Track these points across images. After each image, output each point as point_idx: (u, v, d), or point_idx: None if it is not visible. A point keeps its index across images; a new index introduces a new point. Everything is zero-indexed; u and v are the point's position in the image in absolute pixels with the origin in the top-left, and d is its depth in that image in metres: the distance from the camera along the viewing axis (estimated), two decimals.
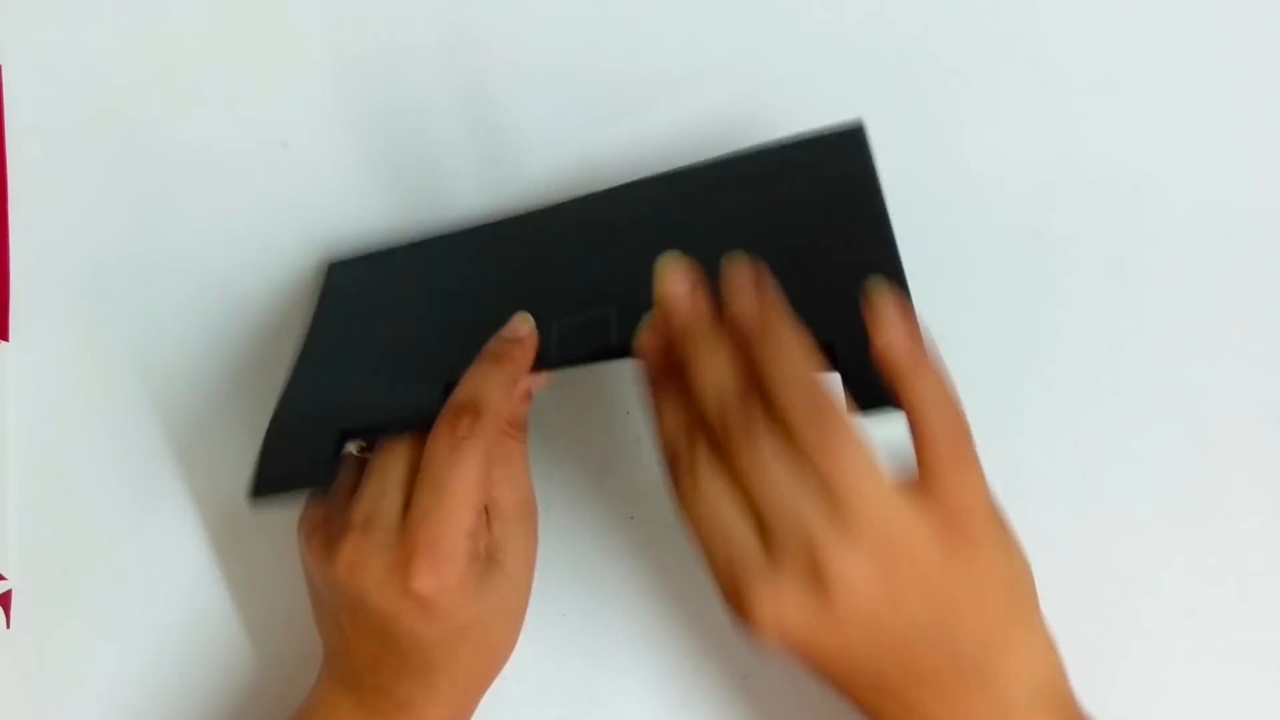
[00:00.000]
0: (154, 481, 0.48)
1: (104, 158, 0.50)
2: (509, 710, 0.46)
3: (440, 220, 0.49)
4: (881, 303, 0.34)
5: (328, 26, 0.51)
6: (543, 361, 0.40)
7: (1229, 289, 0.50)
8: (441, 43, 0.51)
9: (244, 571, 0.47)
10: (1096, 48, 0.52)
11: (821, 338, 0.37)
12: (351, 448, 0.40)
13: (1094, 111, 0.52)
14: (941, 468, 0.34)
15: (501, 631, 0.40)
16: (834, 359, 0.37)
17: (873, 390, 0.36)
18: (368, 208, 0.50)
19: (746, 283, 0.36)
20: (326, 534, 0.38)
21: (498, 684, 0.45)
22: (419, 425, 0.38)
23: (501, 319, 0.40)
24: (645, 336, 0.37)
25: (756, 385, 0.34)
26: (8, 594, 0.47)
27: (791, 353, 0.34)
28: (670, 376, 0.36)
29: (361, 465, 0.40)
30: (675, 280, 0.37)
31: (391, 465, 0.38)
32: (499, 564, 0.38)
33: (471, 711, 0.41)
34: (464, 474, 0.36)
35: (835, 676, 0.35)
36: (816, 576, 0.32)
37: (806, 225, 0.42)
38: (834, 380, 0.37)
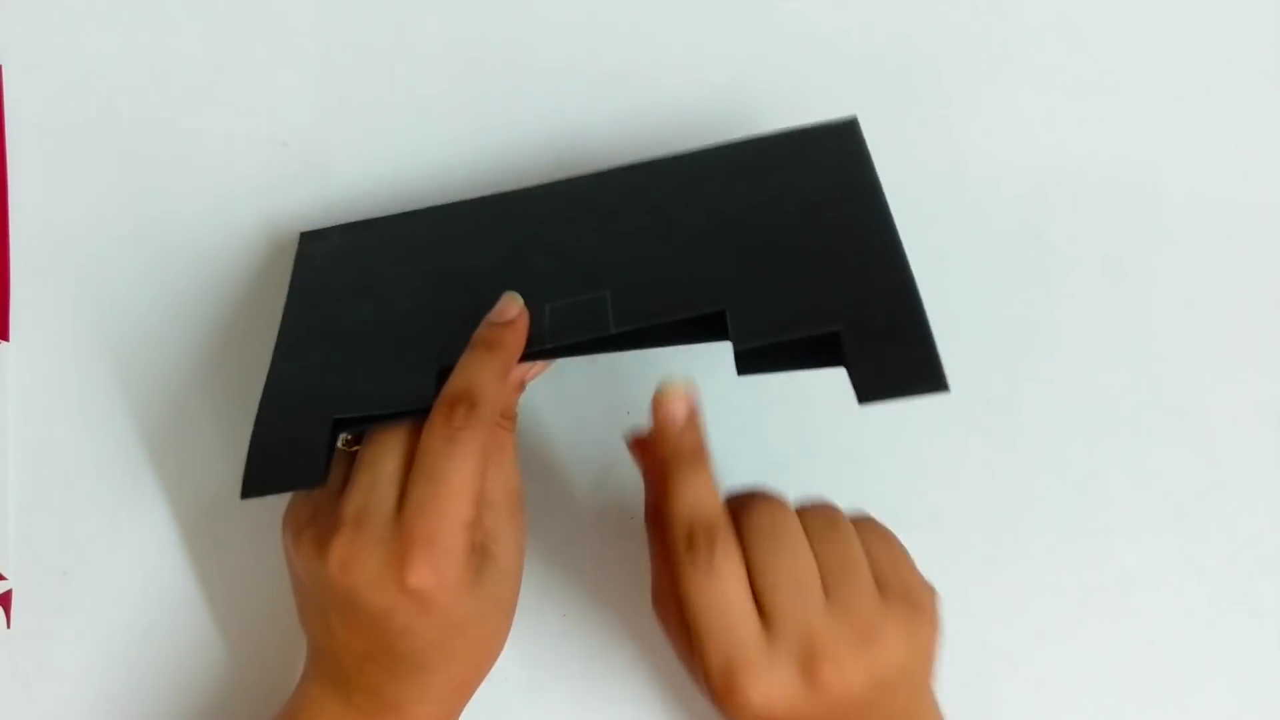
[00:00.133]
0: (155, 481, 0.48)
1: (104, 157, 0.50)
2: (509, 710, 0.46)
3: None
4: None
5: (328, 26, 0.51)
6: (537, 344, 0.39)
7: (1228, 289, 0.50)
8: (440, 39, 0.51)
9: (243, 570, 0.47)
10: (1096, 48, 0.52)
11: (827, 327, 0.37)
12: (339, 441, 0.39)
13: (1094, 111, 0.52)
14: (900, 564, 0.38)
15: (495, 625, 0.39)
16: (839, 349, 0.37)
17: (877, 382, 0.35)
18: (368, 207, 0.50)
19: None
20: (316, 531, 0.37)
21: (498, 684, 0.45)
22: (415, 413, 0.38)
23: (492, 298, 0.40)
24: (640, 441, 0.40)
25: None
26: (8, 594, 0.47)
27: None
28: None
29: (349, 458, 0.39)
30: (675, 405, 0.38)
31: (382, 458, 0.37)
32: (492, 556, 0.38)
33: (461, 709, 0.40)
34: (461, 466, 0.35)
35: None
36: (811, 663, 0.35)
37: (805, 215, 0.41)
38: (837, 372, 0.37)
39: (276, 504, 0.43)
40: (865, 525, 0.39)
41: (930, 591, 0.38)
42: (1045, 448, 0.49)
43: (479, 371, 0.37)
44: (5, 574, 0.47)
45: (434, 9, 0.52)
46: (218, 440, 0.48)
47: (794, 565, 0.36)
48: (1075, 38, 0.52)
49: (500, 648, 0.40)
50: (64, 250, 0.50)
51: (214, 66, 0.51)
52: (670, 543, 0.37)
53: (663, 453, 0.38)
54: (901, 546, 0.39)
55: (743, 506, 0.37)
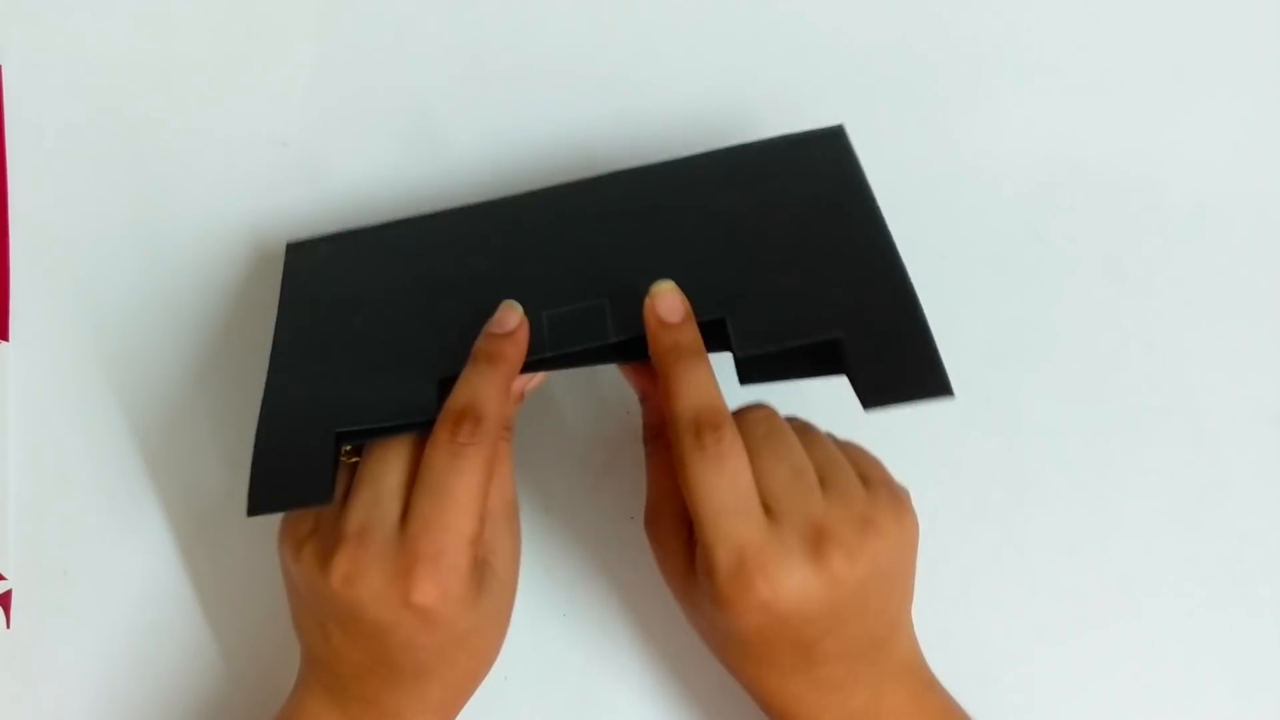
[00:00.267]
0: (155, 482, 0.48)
1: (104, 157, 0.50)
2: (509, 710, 0.46)
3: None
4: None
5: (327, 28, 0.51)
6: (536, 352, 0.39)
7: (1228, 289, 0.50)
8: (440, 42, 0.51)
9: (242, 572, 0.47)
10: (1096, 48, 0.52)
11: (829, 334, 0.37)
12: (340, 457, 0.39)
13: (1094, 111, 0.52)
14: (876, 463, 0.39)
15: (494, 635, 0.39)
16: (839, 356, 0.37)
17: (882, 388, 0.36)
18: (368, 209, 0.50)
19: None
20: (318, 545, 0.37)
21: (498, 684, 0.45)
22: (418, 426, 0.38)
23: (488, 306, 0.39)
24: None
25: None
26: (8, 594, 0.47)
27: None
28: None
29: (349, 470, 0.39)
30: (671, 301, 0.38)
31: (384, 472, 0.37)
32: (491, 567, 0.38)
33: (457, 715, 0.40)
34: (467, 481, 0.35)
35: (774, 648, 0.37)
36: (820, 549, 0.35)
37: (800, 223, 0.41)
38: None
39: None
40: (833, 436, 0.40)
41: (905, 489, 0.39)
42: (1045, 447, 0.49)
43: (482, 386, 0.37)
44: (5, 574, 0.47)
45: (434, 11, 0.52)
46: (217, 441, 0.48)
47: (792, 459, 0.37)
48: (1075, 38, 0.52)
49: (497, 654, 0.40)
50: (64, 250, 0.50)
51: (214, 67, 0.51)
52: (676, 437, 0.36)
53: (662, 348, 0.38)
54: (870, 452, 0.40)
55: (735, 415, 0.38)
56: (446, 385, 0.38)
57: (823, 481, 0.37)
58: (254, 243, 0.50)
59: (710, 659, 0.46)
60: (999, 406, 0.49)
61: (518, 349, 0.38)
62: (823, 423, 0.41)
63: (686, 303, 0.38)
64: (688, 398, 0.36)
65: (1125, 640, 0.47)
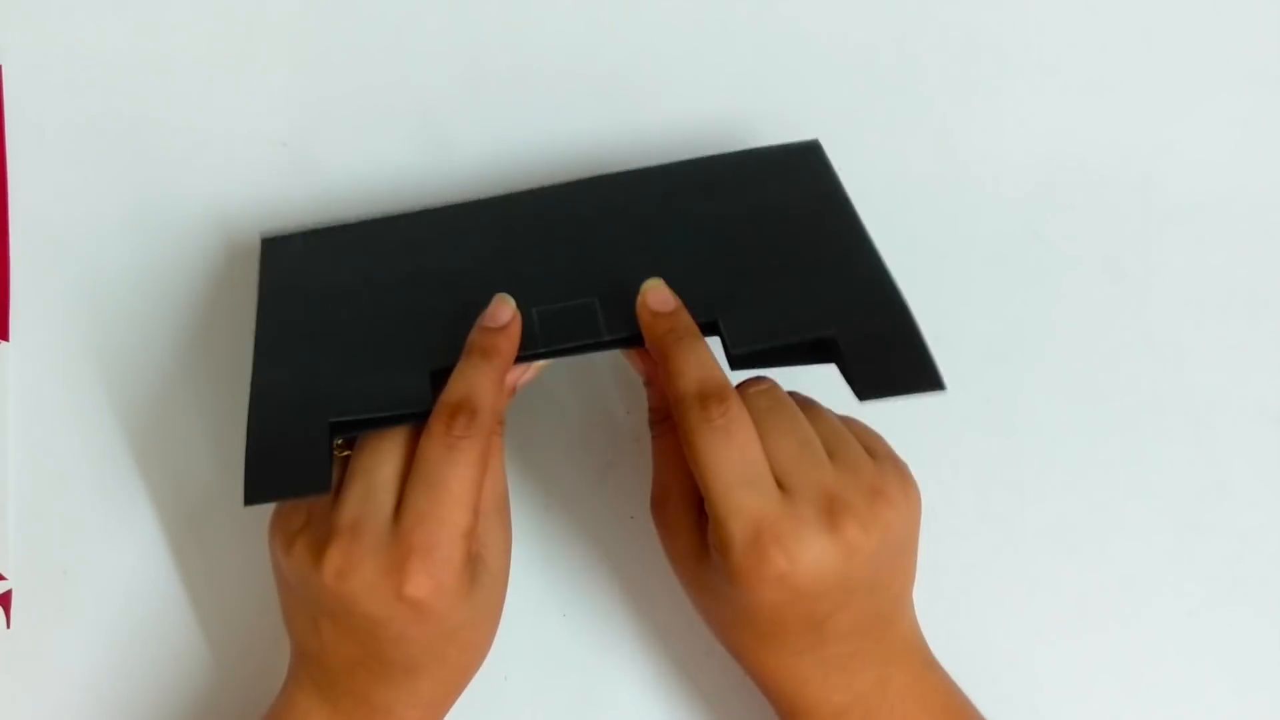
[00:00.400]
0: (155, 481, 0.48)
1: (104, 157, 0.50)
2: (509, 710, 0.46)
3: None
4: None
5: (328, 28, 0.51)
6: (529, 347, 0.39)
7: (1228, 289, 0.50)
8: (439, 40, 0.51)
9: (243, 570, 0.47)
10: (1095, 48, 0.52)
11: (822, 332, 0.38)
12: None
13: (1094, 111, 0.52)
14: (877, 436, 0.40)
15: (485, 629, 0.39)
16: (829, 351, 0.38)
17: (877, 380, 0.37)
18: (366, 207, 0.50)
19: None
20: (310, 538, 0.36)
21: (498, 684, 0.45)
22: (412, 416, 0.38)
23: (476, 301, 0.40)
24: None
25: None
26: (8, 594, 0.47)
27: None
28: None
29: (340, 464, 0.38)
30: (663, 294, 0.39)
31: (376, 465, 0.37)
32: (483, 561, 0.38)
33: (448, 710, 0.40)
34: (462, 474, 0.36)
35: (785, 626, 0.37)
36: (834, 519, 0.35)
37: (782, 228, 0.43)
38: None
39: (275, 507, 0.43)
40: (832, 411, 0.40)
41: (906, 462, 0.39)
42: (1045, 447, 0.49)
43: (477, 379, 0.37)
44: (5, 574, 0.47)
45: (433, 11, 0.52)
46: (217, 441, 0.48)
47: (799, 431, 0.37)
48: (1074, 37, 0.52)
49: (488, 649, 0.40)
50: (64, 250, 0.50)
51: (213, 66, 0.51)
52: (682, 414, 0.37)
53: (658, 334, 0.38)
54: (870, 426, 0.40)
55: (738, 389, 0.38)
56: (437, 378, 0.38)
57: (830, 453, 0.37)
58: (253, 242, 0.50)
59: (711, 658, 0.46)
60: (999, 406, 0.49)
61: (511, 342, 0.39)
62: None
63: (676, 296, 0.39)
64: (690, 374, 0.37)
65: (1125, 640, 0.47)
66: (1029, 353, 0.50)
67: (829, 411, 0.40)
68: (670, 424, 0.38)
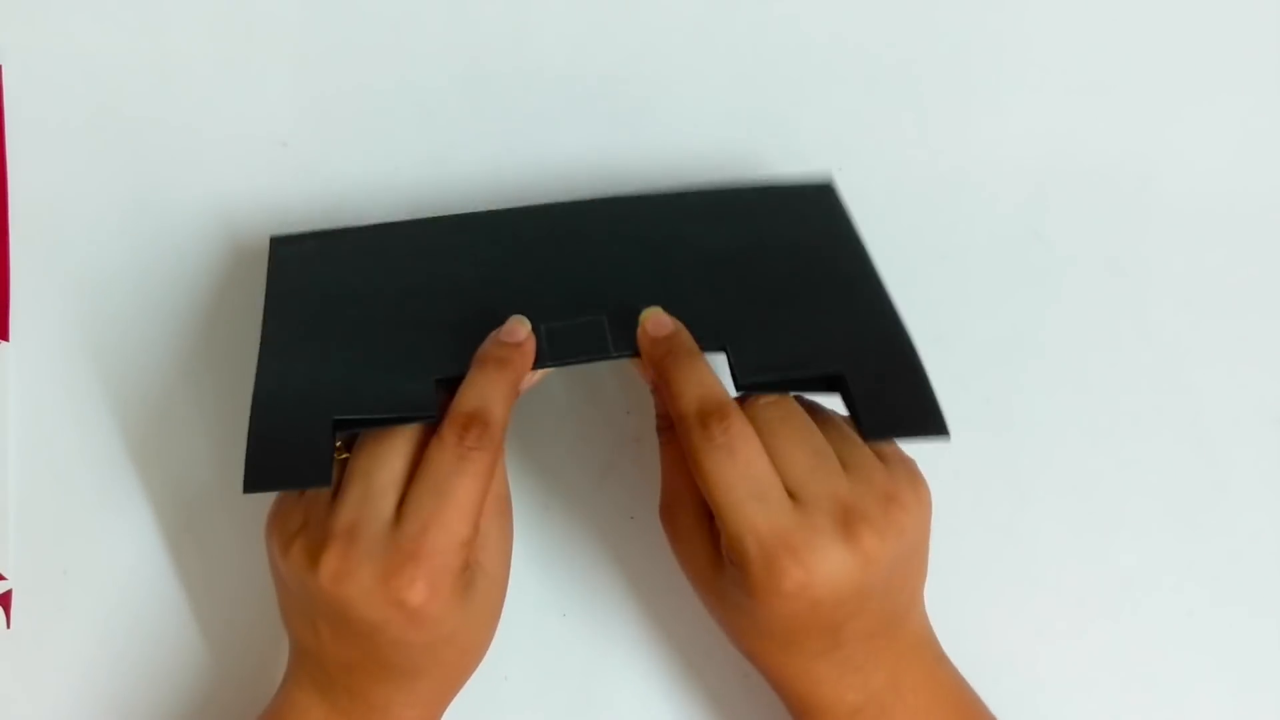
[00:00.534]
0: (155, 481, 0.48)
1: (103, 157, 0.50)
2: (509, 710, 0.46)
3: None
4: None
5: (329, 28, 0.51)
6: (537, 363, 0.40)
7: (1228, 289, 0.50)
8: (440, 41, 0.51)
9: (243, 570, 0.47)
10: (1095, 49, 0.52)
11: (831, 368, 0.39)
12: None
13: (1093, 112, 0.52)
14: (889, 444, 0.39)
15: (482, 631, 0.39)
16: (843, 387, 0.39)
17: (885, 422, 0.38)
18: (367, 209, 0.50)
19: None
20: (307, 540, 0.36)
21: (498, 684, 0.45)
22: (416, 418, 0.38)
23: (483, 312, 0.40)
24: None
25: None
26: (8, 594, 0.47)
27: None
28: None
29: (339, 466, 0.38)
30: (661, 317, 0.40)
31: (375, 468, 0.37)
32: (481, 565, 0.38)
33: (445, 708, 0.40)
34: (470, 485, 0.35)
35: (803, 634, 0.37)
36: (850, 530, 0.35)
37: (793, 263, 0.43)
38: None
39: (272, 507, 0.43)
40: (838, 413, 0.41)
41: (914, 460, 0.40)
42: (1045, 447, 0.49)
43: (491, 391, 0.37)
44: (5, 574, 0.47)
45: (434, 12, 0.52)
46: (217, 441, 0.48)
47: (811, 441, 0.37)
48: (1074, 38, 0.52)
49: (486, 649, 0.40)
50: (63, 251, 0.50)
51: (213, 67, 0.51)
52: (685, 434, 0.37)
53: (657, 355, 0.39)
54: None
55: (745, 403, 0.38)
56: (441, 386, 0.39)
57: (842, 461, 0.37)
58: (254, 243, 0.50)
59: (711, 658, 0.46)
60: (999, 406, 0.49)
61: (525, 359, 0.39)
62: None
63: (675, 319, 0.40)
64: (689, 393, 0.37)
65: (1125, 640, 0.47)
66: (1029, 353, 0.50)
67: (839, 416, 0.40)
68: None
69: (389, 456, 0.37)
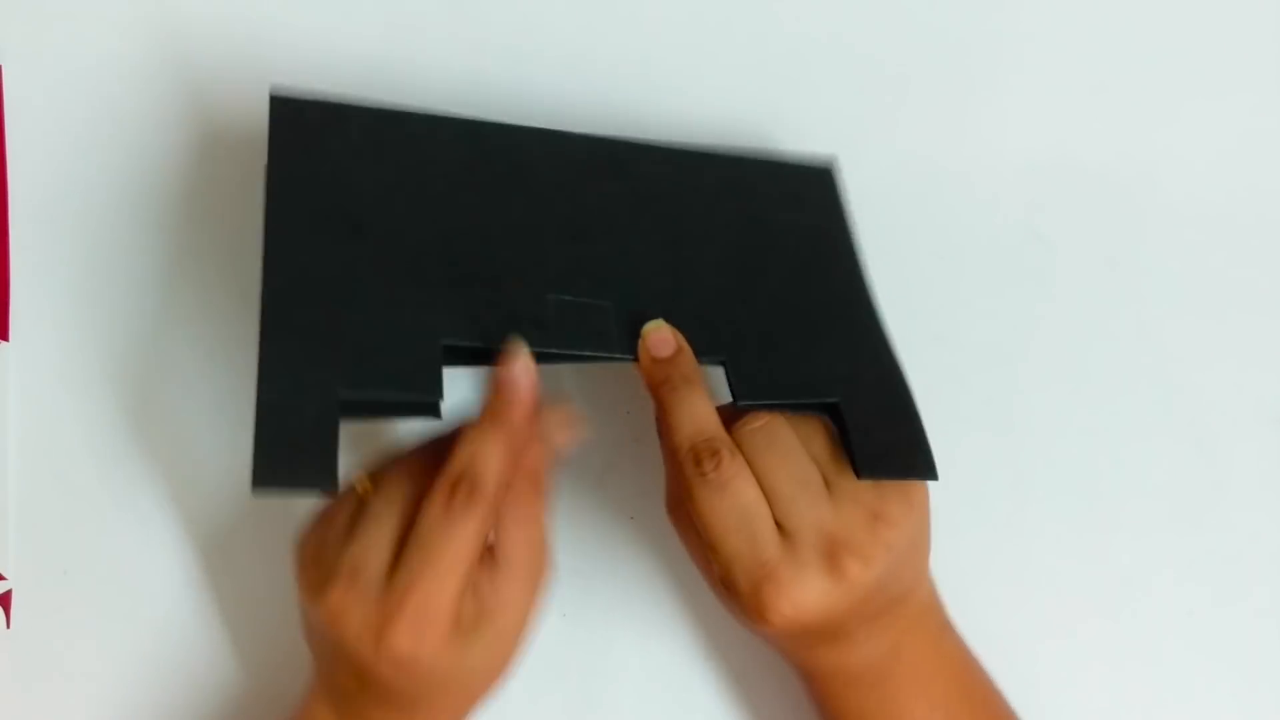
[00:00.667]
0: (155, 481, 0.48)
1: (104, 157, 0.50)
2: (509, 710, 0.46)
3: None
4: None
5: (331, 26, 0.51)
6: (538, 337, 0.39)
7: (1228, 289, 0.50)
8: (442, 39, 0.51)
9: (244, 570, 0.47)
10: (1094, 49, 0.52)
11: (827, 397, 0.39)
12: (354, 483, 0.38)
13: (1093, 112, 0.52)
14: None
15: (486, 676, 0.39)
16: (837, 416, 0.39)
17: (876, 461, 0.38)
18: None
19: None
20: (318, 573, 0.36)
21: None
22: (420, 404, 0.38)
23: (495, 265, 0.40)
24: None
25: None
26: (8, 594, 0.47)
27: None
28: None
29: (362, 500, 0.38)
30: (661, 337, 0.40)
31: (386, 515, 0.36)
32: (489, 617, 0.37)
33: None
34: (457, 545, 0.35)
35: (801, 640, 0.39)
36: (835, 561, 0.36)
37: (791, 266, 0.44)
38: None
39: (279, 505, 0.43)
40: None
41: None
42: (1045, 446, 0.49)
43: (483, 450, 0.36)
44: (5, 574, 0.47)
45: (437, 17, 0.52)
46: (218, 440, 0.48)
47: (797, 468, 0.38)
48: (1073, 39, 0.52)
49: (494, 689, 0.39)
50: (64, 251, 0.50)
51: (215, 66, 0.51)
52: (678, 468, 0.38)
53: (656, 382, 0.39)
54: None
55: (735, 426, 0.39)
56: (449, 353, 0.38)
57: (829, 484, 0.38)
58: (256, 242, 0.50)
59: (710, 658, 0.46)
60: (999, 405, 0.49)
61: (524, 411, 0.38)
62: None
63: (678, 337, 0.40)
64: (684, 429, 0.38)
65: (1125, 639, 0.47)
66: (1029, 352, 0.50)
67: (828, 427, 0.40)
68: None
69: (400, 503, 0.37)
